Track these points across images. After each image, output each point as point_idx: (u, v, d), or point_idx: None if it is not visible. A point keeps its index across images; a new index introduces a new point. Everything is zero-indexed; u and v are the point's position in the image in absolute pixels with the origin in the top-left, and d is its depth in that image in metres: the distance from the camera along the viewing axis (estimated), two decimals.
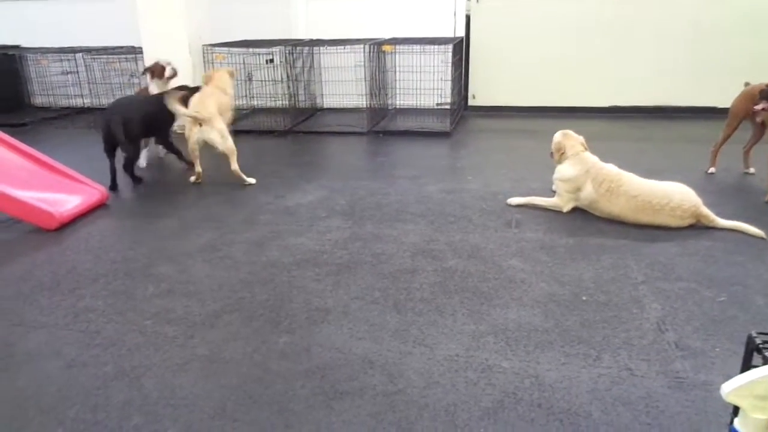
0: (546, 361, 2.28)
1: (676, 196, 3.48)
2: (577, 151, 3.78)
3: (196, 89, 4.68)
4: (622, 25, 6.65)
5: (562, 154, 3.82)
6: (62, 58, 7.40)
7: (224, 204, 4.13)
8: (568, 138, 3.85)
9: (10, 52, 7.50)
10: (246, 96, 6.73)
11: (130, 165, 4.50)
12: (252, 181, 4.47)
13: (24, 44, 7.76)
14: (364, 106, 6.25)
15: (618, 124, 6.48)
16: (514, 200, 3.97)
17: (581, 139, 3.87)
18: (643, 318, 2.56)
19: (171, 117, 4.50)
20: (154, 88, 5.01)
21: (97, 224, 3.84)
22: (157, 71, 5.07)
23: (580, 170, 3.70)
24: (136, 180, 4.56)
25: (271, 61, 6.50)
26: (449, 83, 6.20)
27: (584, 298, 2.74)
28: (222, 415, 2.04)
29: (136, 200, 4.27)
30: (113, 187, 4.43)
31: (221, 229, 3.68)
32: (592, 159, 3.75)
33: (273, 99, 6.48)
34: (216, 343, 2.45)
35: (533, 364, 2.26)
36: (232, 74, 4.93)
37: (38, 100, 7.78)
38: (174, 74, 5.09)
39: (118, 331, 2.57)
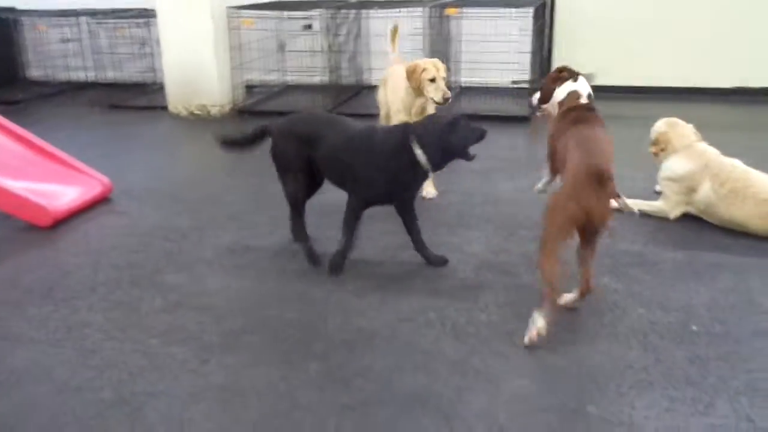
0: (643, 407, 2.22)
1: None
2: (690, 141, 3.69)
3: None
4: None
5: (663, 149, 3.73)
6: (63, 23, 7.69)
7: (250, 200, 4.21)
8: (675, 127, 3.75)
9: (3, 16, 7.85)
10: (278, 70, 6.84)
11: None
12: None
13: (20, 6, 8.09)
14: None
15: (745, 110, 6.27)
16: None
17: (691, 128, 3.77)
18: None
19: None
20: None
21: (97, 221, 3.97)
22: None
23: (697, 165, 3.61)
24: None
25: (310, 27, 6.60)
26: (529, 56, 6.14)
27: (694, 328, 2.67)
28: None
29: (145, 193, 4.39)
30: None
31: (245, 230, 3.75)
32: (712, 151, 3.65)
33: (310, 74, 6.57)
34: (234, 369, 2.50)
35: (627, 409, 2.21)
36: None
37: (34, 73, 8.12)
38: None
39: (119, 350, 2.64)
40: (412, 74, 3.93)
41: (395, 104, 4.20)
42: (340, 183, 3.34)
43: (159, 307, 2.97)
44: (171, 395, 2.36)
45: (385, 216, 3.88)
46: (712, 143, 3.74)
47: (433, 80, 3.88)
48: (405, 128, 3.16)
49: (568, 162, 2.74)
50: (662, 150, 3.74)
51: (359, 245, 3.48)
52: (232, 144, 3.57)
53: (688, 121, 3.82)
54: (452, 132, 3.03)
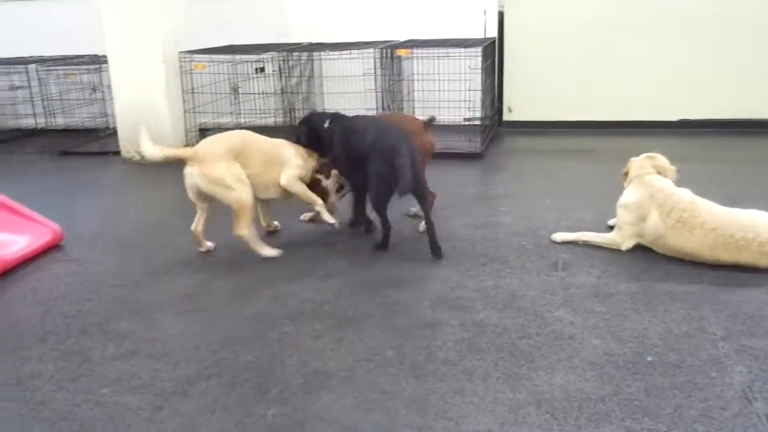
0: None
1: (766, 229, 3.45)
2: (642, 172, 3.78)
3: None
4: (695, 20, 6.68)
5: (626, 175, 3.87)
6: (11, 70, 7.60)
7: None
8: (649, 159, 3.86)
9: None
10: (232, 113, 6.84)
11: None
12: (272, 253, 3.94)
13: None
14: None
15: (689, 141, 6.46)
16: (561, 236, 3.96)
17: (663, 163, 3.87)
18: (725, 384, 2.51)
19: None
20: None
21: (48, 270, 3.88)
22: None
23: (643, 195, 3.69)
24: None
25: (262, 69, 6.61)
26: (479, 94, 6.25)
27: (649, 358, 2.70)
28: None
29: (96, 240, 4.31)
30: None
31: (198, 274, 3.71)
32: (661, 182, 3.74)
33: (264, 115, 6.57)
34: (190, 415, 2.44)
35: None
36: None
37: None
38: None
39: (70, 401, 2.56)
40: None
41: None
42: None
43: (111, 355, 2.89)
44: None
45: (340, 254, 3.88)
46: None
47: None
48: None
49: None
50: (625, 176, 3.87)
51: (314, 286, 3.47)
52: None
53: (635, 154, 3.93)
54: None
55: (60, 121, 7.44)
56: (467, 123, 6.57)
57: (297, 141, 4.23)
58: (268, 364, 2.76)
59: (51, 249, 4.15)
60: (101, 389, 2.63)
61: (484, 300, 3.26)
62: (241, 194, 3.78)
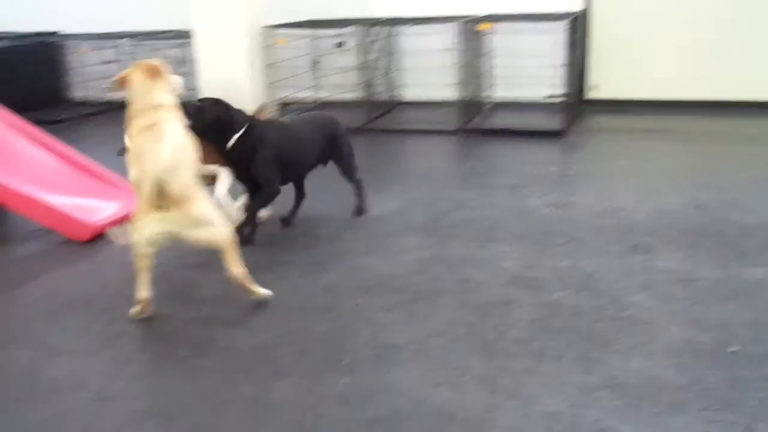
0: (678, 428, 2.17)
1: None
2: None
3: None
4: None
5: None
6: (104, 45, 7.87)
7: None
8: None
9: (49, 40, 8.07)
10: (312, 87, 6.91)
11: None
12: (264, 293, 3.11)
13: (63, 31, 8.31)
14: (454, 99, 6.27)
15: None
16: None
17: None
18: None
19: None
20: None
21: None
22: None
23: None
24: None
25: (342, 44, 6.65)
26: (563, 70, 6.11)
27: (733, 348, 2.60)
28: None
29: None
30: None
31: (275, 245, 3.79)
32: None
33: (343, 90, 6.62)
34: (263, 380, 2.52)
35: (661, 431, 2.17)
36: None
37: (77, 94, 8.30)
38: None
39: (153, 360, 2.70)
40: None
41: None
42: None
43: (191, 319, 3.01)
44: (201, 405, 2.39)
45: (415, 229, 3.89)
46: (758, 160, 3.64)
47: None
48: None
49: None
50: None
51: (387, 260, 3.50)
52: None
53: (740, 135, 3.74)
54: None
55: None
56: (549, 100, 6.44)
57: (198, 124, 3.54)
58: (340, 335, 2.81)
59: None
60: (181, 351, 2.74)
61: (559, 281, 3.21)
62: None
